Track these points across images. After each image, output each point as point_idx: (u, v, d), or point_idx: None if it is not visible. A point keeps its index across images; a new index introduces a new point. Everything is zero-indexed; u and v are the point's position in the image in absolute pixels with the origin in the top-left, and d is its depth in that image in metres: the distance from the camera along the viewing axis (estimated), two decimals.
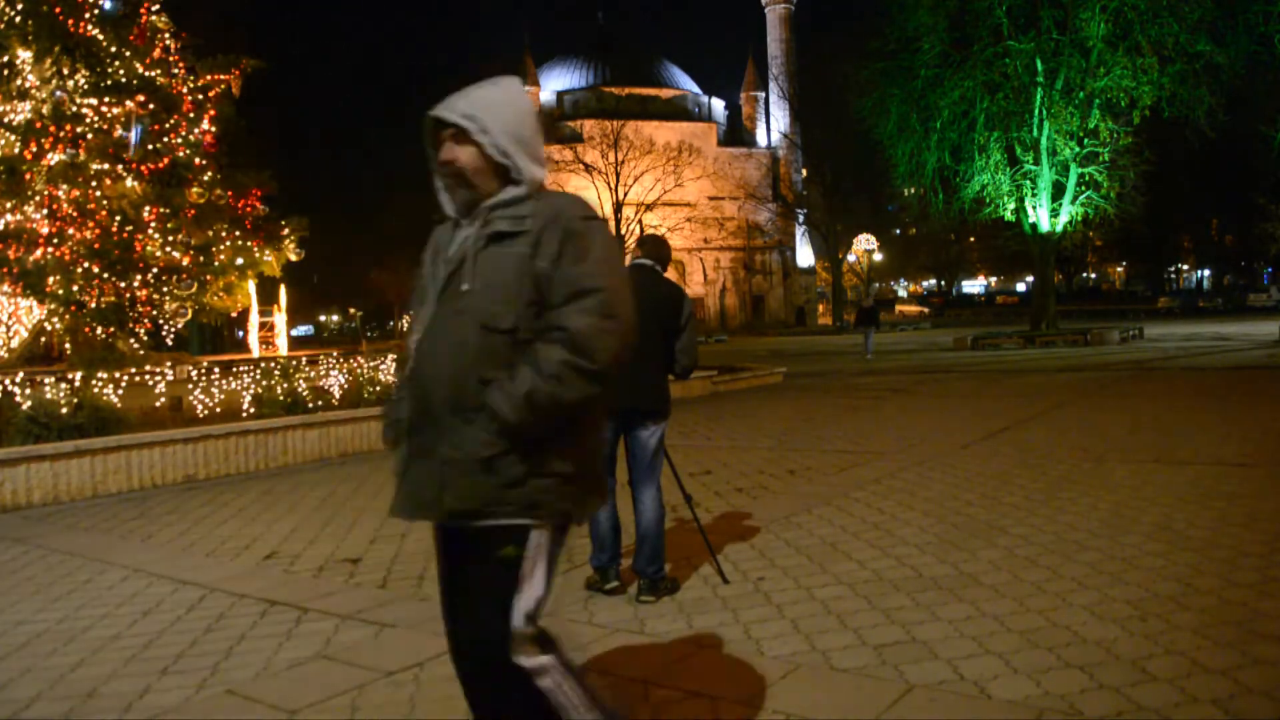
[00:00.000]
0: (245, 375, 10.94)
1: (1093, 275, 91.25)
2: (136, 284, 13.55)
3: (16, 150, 12.96)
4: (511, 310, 2.09)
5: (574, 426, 2.13)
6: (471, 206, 2.22)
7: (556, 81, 67.29)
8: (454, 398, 2.08)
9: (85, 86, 13.18)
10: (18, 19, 12.86)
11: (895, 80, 30.38)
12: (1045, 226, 30.10)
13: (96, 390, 9.46)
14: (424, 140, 2.32)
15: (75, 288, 12.85)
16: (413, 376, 2.17)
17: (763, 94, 70.12)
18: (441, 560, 2.25)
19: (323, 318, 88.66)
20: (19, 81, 13.14)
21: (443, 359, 2.11)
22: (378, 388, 11.85)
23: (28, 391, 9.21)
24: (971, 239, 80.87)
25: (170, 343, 15.58)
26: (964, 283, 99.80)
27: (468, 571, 2.15)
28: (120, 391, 9.79)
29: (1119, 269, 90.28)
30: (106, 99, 13.21)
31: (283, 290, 16.95)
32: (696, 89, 70.97)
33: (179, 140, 14.13)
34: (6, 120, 13.10)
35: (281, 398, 10.65)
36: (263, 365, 11.38)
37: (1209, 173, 58.75)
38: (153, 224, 13.48)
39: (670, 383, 4.55)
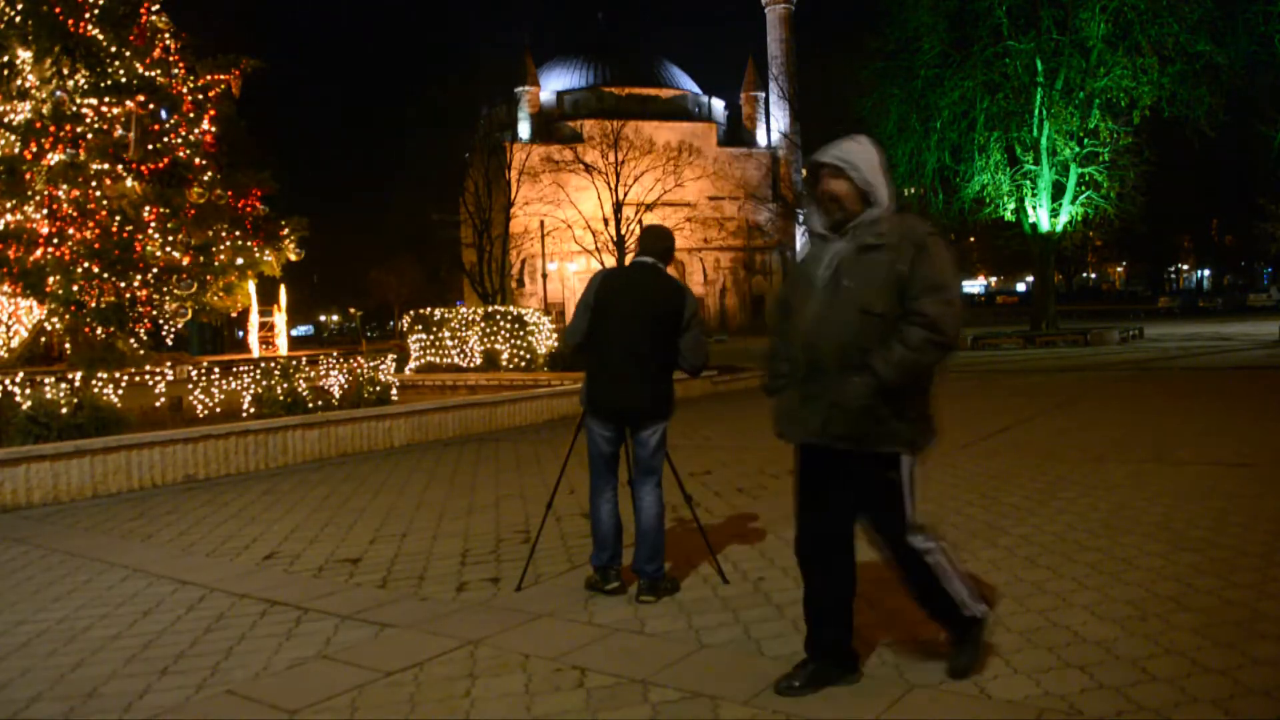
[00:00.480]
0: (245, 375, 10.94)
1: (1093, 275, 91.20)
2: (136, 284, 13.53)
3: (16, 150, 12.95)
4: (881, 300, 3.01)
5: (921, 383, 3.14)
6: (841, 225, 3.14)
7: (556, 81, 67.24)
8: (841, 360, 3.03)
9: (85, 86, 13.17)
10: (18, 19, 12.84)
11: (895, 80, 30.37)
12: (1045, 226, 30.10)
13: (96, 390, 9.47)
14: (805, 181, 3.47)
15: (75, 288, 12.83)
16: (807, 345, 3.12)
17: (763, 94, 70.05)
18: (804, 471, 3.27)
19: (323, 318, 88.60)
20: (19, 81, 13.12)
21: (833, 333, 3.06)
22: (378, 388, 11.86)
23: (28, 391, 9.21)
24: (971, 239, 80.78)
25: (170, 343, 15.56)
26: (964, 283, 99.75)
27: (845, 486, 3.19)
28: (120, 391, 9.79)
29: (1119, 269, 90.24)
30: (106, 99, 13.20)
31: (283, 290, 16.93)
32: (696, 89, 70.93)
33: (179, 140, 14.12)
34: (6, 120, 13.08)
35: (281, 398, 10.65)
36: (263, 365, 11.38)
37: (1209, 173, 58.67)
38: (153, 224, 13.46)
39: (677, 380, 4.54)
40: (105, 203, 13.09)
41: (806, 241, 3.34)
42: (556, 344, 16.84)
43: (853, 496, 3.19)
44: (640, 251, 4.53)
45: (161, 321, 14.91)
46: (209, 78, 14.74)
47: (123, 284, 13.33)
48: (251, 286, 15.64)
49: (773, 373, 3.32)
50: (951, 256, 3.07)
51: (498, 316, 17.38)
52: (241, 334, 25.40)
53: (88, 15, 13.22)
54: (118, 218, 13.05)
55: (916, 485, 3.16)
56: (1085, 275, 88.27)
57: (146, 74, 13.79)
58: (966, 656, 3.28)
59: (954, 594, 3.21)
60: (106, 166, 13.09)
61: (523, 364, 16.78)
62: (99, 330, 13.34)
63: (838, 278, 3.08)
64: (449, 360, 17.42)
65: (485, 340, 17.16)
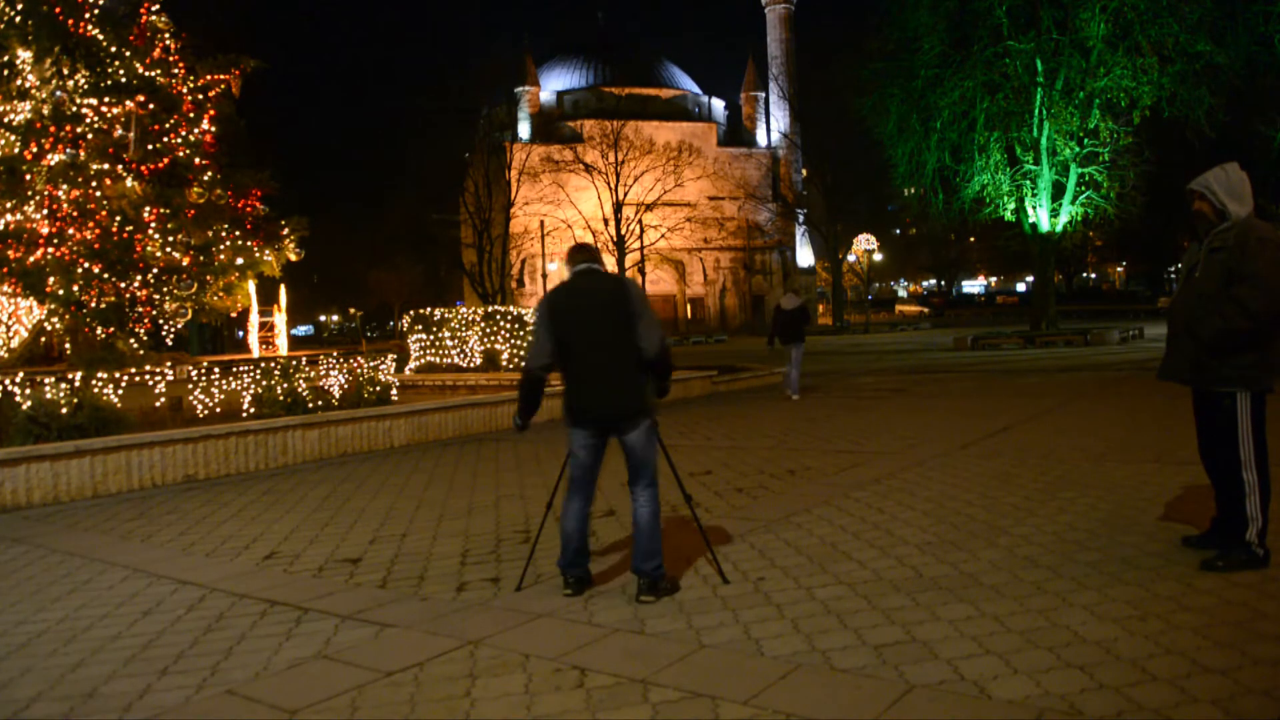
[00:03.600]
0: (245, 375, 10.94)
1: (1093, 275, 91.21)
2: (136, 284, 13.53)
3: (16, 150, 12.95)
4: (1213, 285, 4.29)
5: (1252, 340, 4.22)
6: (1205, 233, 4.42)
7: (556, 81, 67.26)
8: (1185, 326, 4.41)
9: (85, 86, 13.17)
10: (18, 19, 12.84)
11: (895, 80, 30.39)
12: (1045, 226, 30.10)
13: (96, 390, 9.47)
14: (1184, 197, 4.57)
15: (75, 288, 12.83)
16: (1170, 312, 4.64)
17: (763, 94, 70.06)
18: (1197, 408, 4.67)
19: (323, 318, 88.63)
20: (19, 81, 13.12)
21: (1182, 308, 4.46)
22: (378, 388, 11.86)
23: (28, 391, 9.21)
24: (971, 239, 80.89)
25: (170, 343, 15.56)
26: (964, 283, 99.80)
27: (1212, 418, 4.51)
28: (120, 391, 9.79)
29: (1119, 269, 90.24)
30: (106, 99, 13.20)
31: (283, 290, 16.92)
32: (696, 89, 70.93)
33: (179, 140, 14.12)
34: (6, 120, 13.08)
35: (281, 398, 10.66)
36: (263, 365, 11.38)
37: None
38: (153, 224, 13.46)
39: (677, 381, 4.54)
40: (105, 203, 13.09)
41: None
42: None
43: (1225, 420, 4.50)
44: (576, 263, 4.54)
45: (161, 321, 14.91)
46: (209, 78, 14.74)
47: (123, 284, 13.33)
48: (251, 286, 15.64)
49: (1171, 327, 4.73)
50: (1274, 250, 4.17)
51: (498, 316, 17.38)
52: (241, 334, 25.42)
53: (88, 15, 13.22)
54: (118, 218, 13.05)
55: (1252, 419, 4.39)
56: (1085, 275, 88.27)
57: (146, 74, 13.78)
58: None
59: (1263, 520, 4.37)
60: (106, 166, 13.09)
61: (523, 364, 16.75)
62: (99, 330, 13.34)
63: (1195, 270, 4.53)
64: (449, 360, 17.43)
65: (485, 340, 17.17)
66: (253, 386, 10.82)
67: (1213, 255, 4.30)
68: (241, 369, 11.17)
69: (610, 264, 50.43)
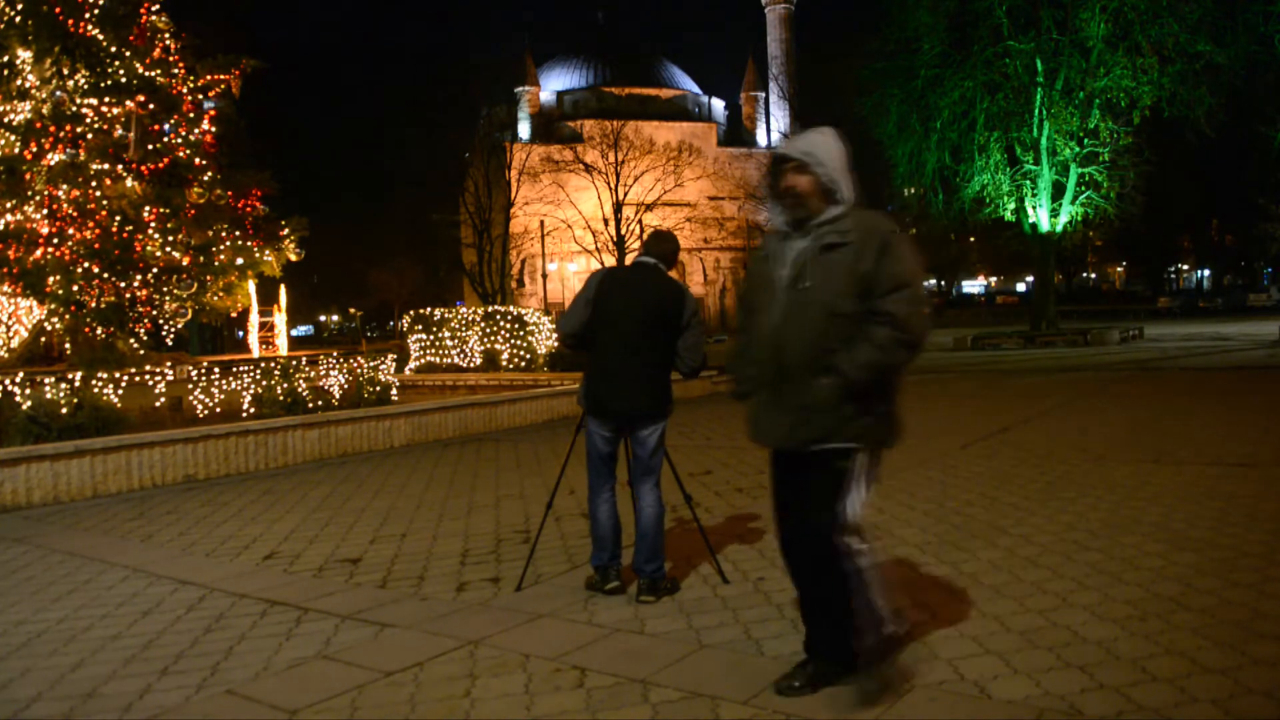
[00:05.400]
0: (245, 375, 10.94)
1: (1093, 275, 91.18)
2: (136, 284, 13.53)
3: (16, 150, 12.95)
4: (846, 300, 2.94)
5: (888, 381, 3.01)
6: (803, 222, 3.06)
7: (556, 81, 67.26)
8: (807, 361, 2.96)
9: (85, 86, 13.17)
10: (18, 19, 12.85)
11: (895, 80, 30.36)
12: (1045, 226, 30.09)
13: (96, 390, 9.47)
14: (770, 173, 3.15)
15: (75, 288, 12.83)
16: (772, 346, 3.05)
17: (763, 94, 70.09)
18: (778, 476, 3.24)
19: (323, 318, 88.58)
20: (19, 81, 13.13)
21: (798, 335, 2.99)
22: (378, 388, 11.86)
23: (28, 391, 9.21)
24: (971, 239, 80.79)
25: (170, 343, 15.57)
26: (964, 283, 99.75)
27: (808, 480, 3.08)
28: (120, 391, 9.79)
29: (1119, 269, 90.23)
30: (106, 99, 13.20)
31: (283, 290, 16.93)
32: (696, 89, 70.95)
33: (179, 140, 14.12)
34: (6, 120, 13.08)
35: (281, 398, 10.66)
36: (263, 365, 11.38)
37: (1209, 173, 58.70)
38: (153, 224, 13.46)
39: (675, 381, 4.54)
40: (105, 203, 13.09)
41: (766, 239, 3.28)
42: (556, 344, 16.85)
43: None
44: (644, 253, 4.50)
45: (161, 321, 14.91)
46: (209, 78, 14.75)
47: (123, 284, 13.33)
48: (251, 286, 15.64)
49: (740, 376, 3.26)
50: (915, 254, 2.99)
51: (498, 316, 17.38)
52: (241, 334, 25.42)
53: (88, 15, 13.22)
54: (118, 218, 13.05)
55: (864, 483, 3.05)
56: (1085, 275, 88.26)
57: (146, 74, 13.79)
58: (875, 681, 3.07)
59: (871, 608, 2.98)
60: (106, 166, 13.09)
61: (523, 364, 16.79)
62: (99, 330, 13.34)
63: (801, 278, 3.00)
64: (449, 360, 17.43)
65: (485, 340, 17.17)
66: (253, 386, 10.81)
67: (828, 255, 2.98)
68: (241, 369, 11.17)
69: (611, 263, 50.37)
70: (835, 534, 3.00)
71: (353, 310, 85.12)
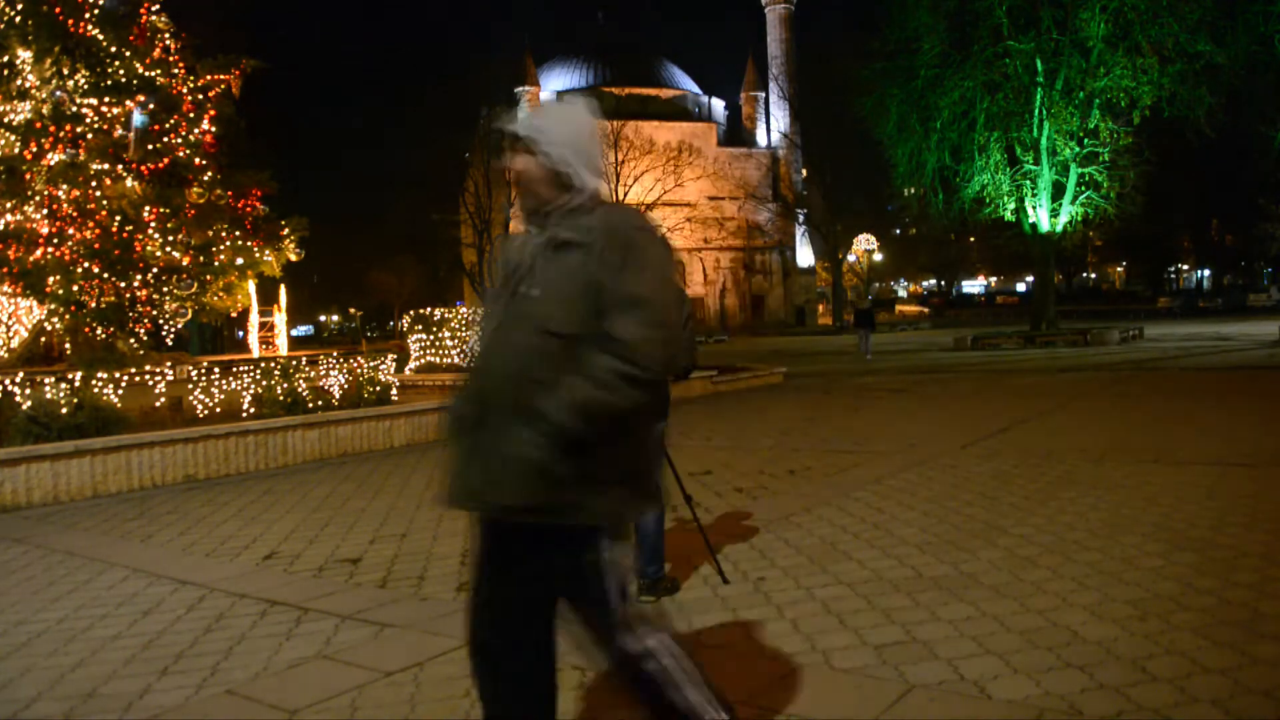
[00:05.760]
0: (245, 375, 10.93)
1: (1093, 275, 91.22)
2: (136, 284, 13.53)
3: (16, 150, 12.95)
4: (571, 316, 2.17)
5: (624, 431, 2.20)
6: (536, 214, 2.37)
7: (556, 81, 67.27)
8: (513, 398, 2.16)
9: (85, 86, 13.17)
10: (18, 19, 12.85)
11: (895, 80, 30.38)
12: (1045, 226, 30.09)
13: (96, 390, 9.46)
14: (498, 153, 2.49)
15: (75, 288, 12.83)
16: (477, 375, 2.34)
17: (763, 94, 70.07)
18: (480, 551, 2.38)
19: (323, 318, 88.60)
20: (19, 81, 13.13)
21: (505, 360, 2.23)
22: (378, 388, 11.85)
23: (28, 391, 9.21)
24: (971, 239, 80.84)
25: (170, 343, 15.57)
26: (964, 283, 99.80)
27: (524, 568, 2.29)
28: (120, 391, 9.79)
29: (1119, 269, 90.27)
30: (106, 99, 13.20)
31: (283, 290, 16.92)
32: (696, 89, 70.94)
33: (179, 140, 14.12)
34: (6, 120, 13.08)
35: (281, 398, 10.65)
36: (263, 365, 11.38)
37: (1209, 173, 58.72)
38: (153, 224, 13.46)
39: (670, 383, 4.55)
40: (105, 203, 13.09)
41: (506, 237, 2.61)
42: None
43: (542, 588, 2.33)
44: None
45: (161, 321, 14.91)
46: (209, 78, 14.74)
47: (123, 284, 13.32)
48: (251, 286, 15.63)
49: (453, 411, 2.36)
50: (670, 262, 2.29)
51: None
52: (241, 334, 25.42)
53: (88, 15, 13.22)
54: (118, 218, 13.05)
55: (623, 570, 2.31)
56: (1085, 275, 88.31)
57: (146, 74, 13.79)
58: None
59: (686, 705, 2.27)
60: (106, 166, 13.09)
61: None
62: (99, 330, 13.34)
63: (522, 285, 2.27)
64: (449, 360, 17.42)
65: None
66: (253, 386, 10.81)
67: (559, 256, 2.24)
68: (241, 369, 11.17)
69: None
70: (613, 638, 2.29)
71: (353, 310, 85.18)
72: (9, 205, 12.99)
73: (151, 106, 13.50)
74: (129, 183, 13.30)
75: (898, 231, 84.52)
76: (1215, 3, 26.31)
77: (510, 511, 2.22)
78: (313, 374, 11.27)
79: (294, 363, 11.44)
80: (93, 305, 13.15)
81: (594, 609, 2.30)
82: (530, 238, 2.36)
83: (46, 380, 9.50)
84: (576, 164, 2.33)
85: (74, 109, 13.11)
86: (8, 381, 9.54)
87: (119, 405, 9.54)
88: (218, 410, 10.70)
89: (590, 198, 2.35)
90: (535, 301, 2.22)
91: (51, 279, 12.77)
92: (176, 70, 14.39)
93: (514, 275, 2.31)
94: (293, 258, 15.51)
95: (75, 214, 12.89)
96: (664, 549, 4.47)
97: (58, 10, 12.85)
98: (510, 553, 2.31)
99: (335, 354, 12.82)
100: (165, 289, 14.17)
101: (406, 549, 5.60)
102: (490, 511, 2.29)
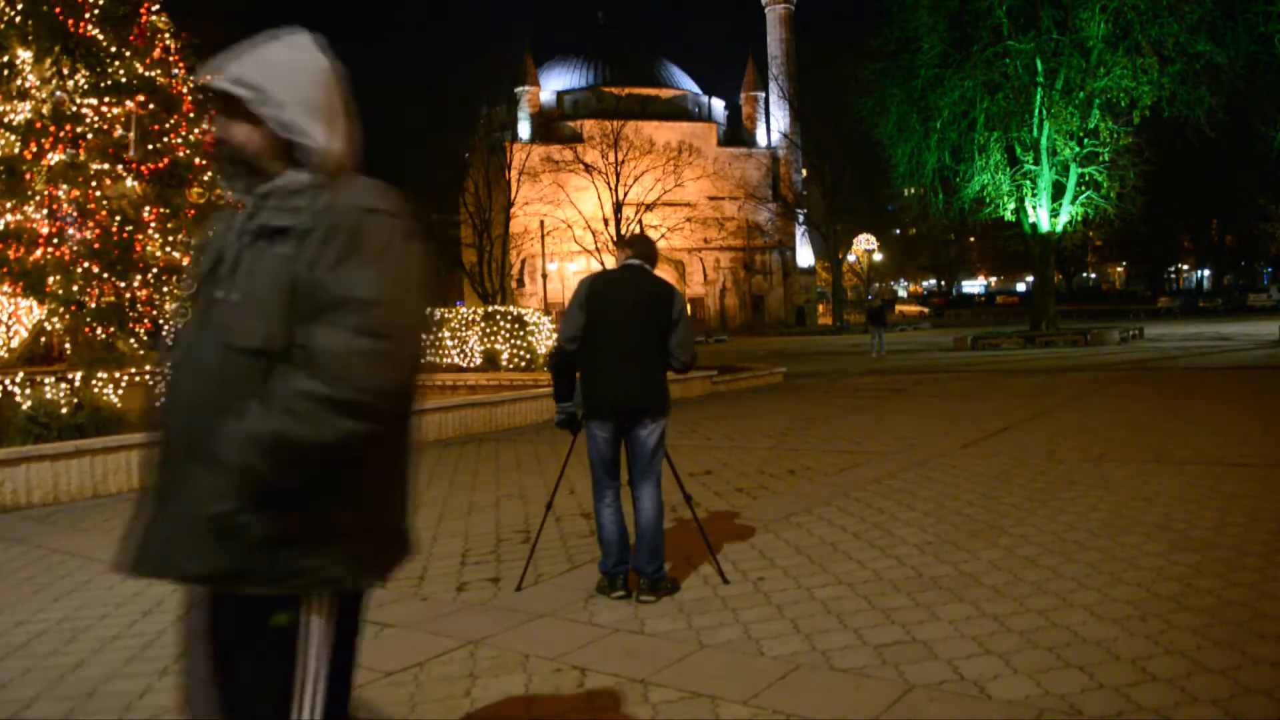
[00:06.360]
0: None
1: (1093, 275, 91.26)
2: (136, 284, 13.53)
3: (16, 150, 12.95)
4: (266, 325, 1.64)
5: (343, 472, 1.69)
6: (250, 194, 1.79)
7: (556, 81, 67.24)
8: (190, 436, 1.65)
9: (85, 86, 13.17)
10: (18, 19, 12.85)
11: (895, 80, 30.37)
12: (1045, 226, 30.09)
13: (96, 390, 9.47)
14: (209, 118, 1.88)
15: (75, 288, 12.83)
16: (163, 405, 1.75)
17: (763, 94, 70.04)
18: (188, 625, 1.80)
19: None
20: (19, 81, 13.13)
21: (183, 387, 1.71)
22: None
23: (28, 391, 9.21)
24: (971, 239, 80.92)
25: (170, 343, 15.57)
26: (964, 283, 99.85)
27: (230, 643, 1.71)
28: (120, 391, 9.79)
29: (1119, 269, 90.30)
30: (106, 99, 13.20)
31: None
32: (696, 89, 70.91)
33: (179, 140, 14.12)
34: (6, 120, 13.08)
35: None
36: None
37: (1209, 173, 58.75)
38: (153, 224, 13.46)
39: (670, 381, 4.56)
40: (105, 203, 13.09)
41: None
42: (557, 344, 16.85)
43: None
44: (631, 255, 4.59)
45: (161, 321, 14.91)
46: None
47: (123, 284, 13.31)
48: None
49: (146, 454, 1.80)
50: (415, 256, 1.77)
51: (498, 316, 17.38)
52: None
53: (88, 15, 13.22)
54: (118, 218, 13.05)
55: (325, 663, 1.81)
56: (1085, 275, 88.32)
57: (146, 74, 13.79)
58: None
59: None
60: (106, 166, 13.09)
61: (523, 364, 16.79)
62: (99, 330, 13.33)
63: (211, 285, 1.74)
64: (449, 360, 17.42)
65: (485, 340, 17.17)
66: None
67: (268, 249, 1.68)
68: None
69: (611, 264, 50.45)
70: None
71: None
72: (9, 205, 12.99)
73: (152, 106, 13.50)
74: (129, 183, 13.30)
75: (898, 231, 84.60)
76: (1215, 3, 26.30)
77: (197, 580, 1.69)
78: None
79: None
80: (93, 305, 13.14)
81: (268, 700, 1.72)
82: (241, 220, 1.77)
83: (46, 380, 9.51)
84: (309, 125, 1.78)
85: (74, 109, 13.11)
86: (8, 381, 9.55)
87: (119, 405, 9.54)
88: None
89: (328, 168, 1.78)
90: (231, 309, 1.67)
91: (51, 279, 12.77)
92: (177, 70, 14.39)
93: (213, 272, 1.75)
94: None
95: (75, 214, 12.90)
96: (664, 548, 4.47)
97: (58, 10, 12.85)
98: (220, 624, 1.73)
99: None
100: (165, 289, 14.16)
101: None
102: (173, 579, 1.69)
